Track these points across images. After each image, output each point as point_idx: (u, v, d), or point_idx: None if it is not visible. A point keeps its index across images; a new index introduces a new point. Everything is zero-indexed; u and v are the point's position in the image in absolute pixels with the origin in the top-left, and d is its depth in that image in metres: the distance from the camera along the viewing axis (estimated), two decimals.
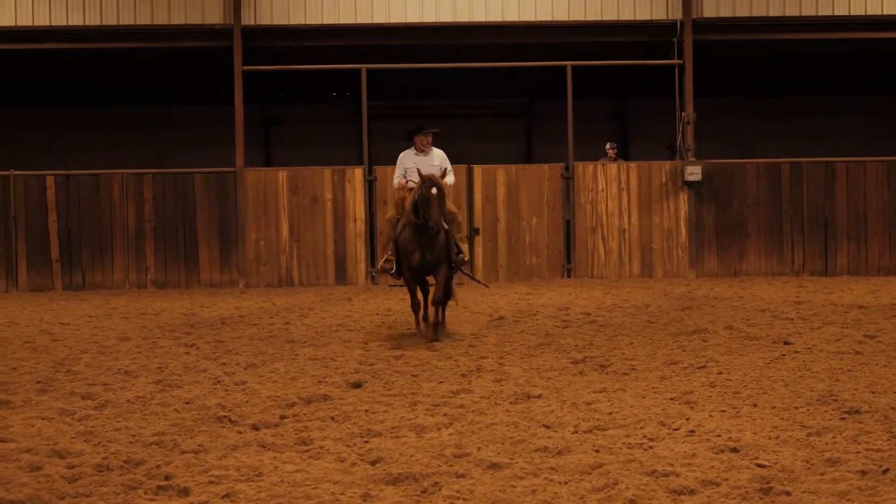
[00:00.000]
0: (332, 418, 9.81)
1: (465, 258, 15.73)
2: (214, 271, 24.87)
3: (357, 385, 11.59)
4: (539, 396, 10.67)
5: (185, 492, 7.52)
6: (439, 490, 7.45)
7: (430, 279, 15.85)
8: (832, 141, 30.90)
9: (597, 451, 8.35)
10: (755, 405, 9.99)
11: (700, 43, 25.13)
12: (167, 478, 7.84)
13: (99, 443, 8.91)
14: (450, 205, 15.44)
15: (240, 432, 9.30)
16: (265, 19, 24.83)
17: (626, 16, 25.12)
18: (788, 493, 7.17)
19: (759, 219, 25.20)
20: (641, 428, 9.12)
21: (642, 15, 25.12)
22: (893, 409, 9.62)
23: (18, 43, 24.87)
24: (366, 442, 8.85)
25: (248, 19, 24.77)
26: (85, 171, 25.23)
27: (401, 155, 16.09)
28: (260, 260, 24.85)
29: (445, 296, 15.59)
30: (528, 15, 25.08)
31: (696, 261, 25.08)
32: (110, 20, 24.61)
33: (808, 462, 7.92)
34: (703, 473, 7.64)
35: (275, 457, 8.37)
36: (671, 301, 19.84)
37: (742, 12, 25.10)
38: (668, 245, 25.09)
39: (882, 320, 16.29)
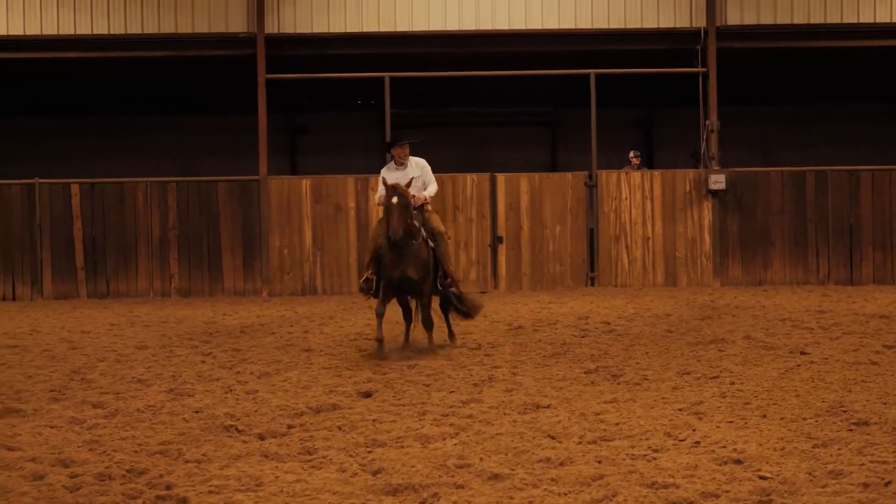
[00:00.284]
0: (339, 428, 9.81)
1: (454, 282, 15.27)
2: (238, 279, 24.93)
3: (367, 394, 11.59)
4: (548, 406, 10.64)
5: (184, 501, 7.52)
6: (437, 501, 7.42)
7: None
8: (857, 149, 30.79)
9: (599, 463, 8.31)
10: (764, 416, 9.93)
11: (724, 51, 25.05)
12: (168, 487, 7.84)
13: (104, 452, 8.93)
14: (437, 223, 15.14)
15: (245, 442, 9.31)
16: (288, 28, 24.89)
17: (650, 24, 25.07)
18: None
19: (784, 227, 25.09)
20: (647, 439, 9.08)
21: (666, 23, 25.07)
22: None
23: (44, 51, 25.01)
24: (369, 452, 8.84)
25: (271, 27, 24.82)
26: (109, 180, 25.34)
27: (382, 170, 15.44)
28: (283, 268, 24.90)
29: (429, 320, 15.03)
30: (552, 23, 25.06)
31: (720, 269, 24.99)
32: (135, 29, 24.74)
33: (810, 474, 7.86)
34: (704, 485, 7.59)
35: (276, 466, 8.37)
36: (693, 310, 19.76)
37: (766, 20, 25.01)
38: (692, 254, 25.01)
39: None
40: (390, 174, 15.12)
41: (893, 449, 8.54)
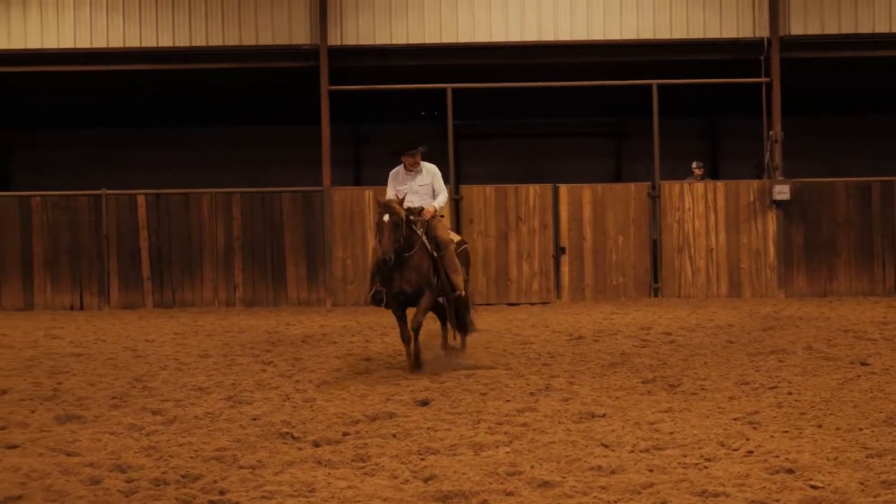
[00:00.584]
0: (394, 435, 9.88)
1: (460, 293, 14.51)
2: (302, 289, 25.06)
3: (424, 403, 11.65)
4: (603, 416, 10.66)
5: None
6: None
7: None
8: None
9: (650, 471, 8.32)
10: (819, 426, 9.90)
11: (788, 60, 24.88)
12: (221, 493, 7.95)
13: (160, 457, 9.06)
14: (442, 232, 14.58)
15: (300, 448, 9.41)
16: (351, 39, 25.01)
17: (713, 34, 24.97)
18: None
19: (849, 238, 24.88)
20: (699, 448, 9.07)
21: (729, 33, 24.96)
22: None
23: (110, 64, 25.30)
24: (422, 459, 8.90)
25: (334, 39, 24.96)
26: (175, 190, 25.57)
27: (391, 174, 15.16)
28: (346, 278, 25.00)
29: (424, 315, 14.38)
30: (614, 34, 25.02)
31: (784, 280, 24.81)
32: (199, 41, 24.96)
33: (862, 484, 7.83)
34: (755, 494, 7.59)
35: (329, 473, 8.45)
36: (755, 321, 19.66)
37: (830, 29, 24.82)
38: (756, 265, 24.86)
39: None
40: (399, 181, 14.93)
41: None
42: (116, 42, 24.97)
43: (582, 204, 24.98)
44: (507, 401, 11.67)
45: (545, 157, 33.16)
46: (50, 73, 25.68)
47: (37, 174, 32.95)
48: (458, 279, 14.45)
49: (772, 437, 9.45)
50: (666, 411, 10.83)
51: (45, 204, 25.07)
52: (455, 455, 9.04)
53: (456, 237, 15.19)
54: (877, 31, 24.76)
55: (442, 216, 15.01)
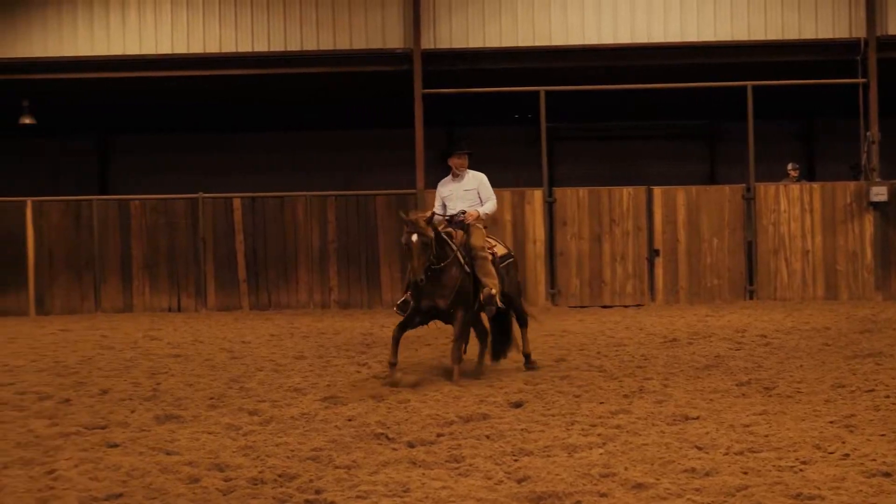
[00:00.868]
0: (488, 437, 9.93)
1: (490, 291, 13.71)
2: (396, 291, 25.14)
3: (518, 405, 11.69)
4: (697, 418, 10.63)
5: None
6: None
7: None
8: None
9: (745, 473, 8.29)
10: None
11: (885, 61, 24.60)
12: (317, 492, 8.05)
13: (257, 457, 9.19)
14: (476, 240, 13.97)
15: (394, 449, 9.49)
16: (444, 43, 25.11)
17: (808, 34, 24.73)
18: None
19: None
20: (795, 451, 9.02)
21: (824, 33, 24.72)
22: None
23: (206, 69, 25.62)
24: (515, 460, 8.94)
25: (427, 43, 25.06)
26: (271, 194, 25.84)
27: (439, 184, 14.71)
28: None
29: (463, 335, 13.95)
30: (708, 35, 24.88)
31: (882, 283, 24.54)
32: (294, 46, 25.19)
33: None
34: (850, 497, 7.55)
35: (423, 473, 8.51)
36: (852, 324, 19.47)
37: None
38: (853, 267, 24.60)
39: None
40: (445, 187, 14.56)
41: None
42: (213, 47, 25.27)
43: (676, 206, 24.87)
44: (600, 403, 11.67)
45: (637, 159, 33.09)
46: (148, 79, 26.07)
47: (135, 178, 33.51)
48: (491, 281, 13.80)
49: (868, 440, 9.38)
50: (761, 414, 10.77)
51: (144, 207, 25.44)
52: (549, 456, 9.07)
53: (502, 249, 14.71)
54: None
55: (485, 226, 14.50)
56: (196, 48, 25.34)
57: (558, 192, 25.13)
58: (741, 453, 9.01)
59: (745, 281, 24.78)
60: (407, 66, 25.17)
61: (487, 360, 14.87)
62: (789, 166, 26.21)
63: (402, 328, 13.80)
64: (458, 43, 25.13)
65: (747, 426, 10.14)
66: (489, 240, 14.42)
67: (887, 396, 11.56)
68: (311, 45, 25.20)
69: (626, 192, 25.03)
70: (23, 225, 25.32)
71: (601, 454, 9.05)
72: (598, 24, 24.97)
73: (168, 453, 9.43)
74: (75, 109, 31.46)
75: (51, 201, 25.78)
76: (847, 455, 8.81)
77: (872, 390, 12.03)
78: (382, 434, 10.05)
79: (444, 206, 14.49)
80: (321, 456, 9.18)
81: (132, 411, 11.67)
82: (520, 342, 14.86)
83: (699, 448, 9.25)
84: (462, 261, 13.73)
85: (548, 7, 24.96)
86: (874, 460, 8.57)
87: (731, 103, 27.19)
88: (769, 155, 28.12)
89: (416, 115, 25.18)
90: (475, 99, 26.85)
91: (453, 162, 14.56)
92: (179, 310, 25.23)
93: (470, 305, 13.86)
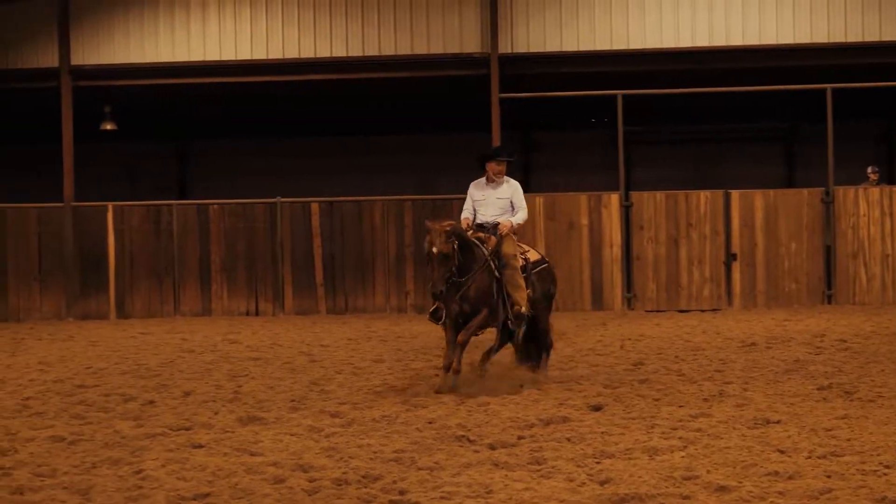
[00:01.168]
0: (568, 439, 9.96)
1: (520, 308, 13.37)
2: None
3: (597, 408, 11.71)
4: (778, 422, 10.61)
5: None
6: None
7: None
8: None
9: (828, 477, 8.27)
10: None
11: None
12: (401, 493, 8.12)
13: (341, 458, 9.28)
14: (508, 248, 13.54)
15: (476, 451, 9.55)
16: (521, 47, 25.11)
17: (889, 37, 24.46)
18: None
19: None
20: (878, 455, 8.98)
21: None
22: None
23: (285, 75, 25.82)
24: (597, 463, 8.97)
25: (504, 47, 25.07)
26: (348, 198, 26.00)
27: (471, 185, 14.32)
28: None
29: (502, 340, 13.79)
30: (787, 37, 24.70)
31: None
32: (372, 51, 25.30)
33: None
34: None
35: (506, 475, 8.56)
36: None
37: None
38: None
39: None
40: (479, 191, 14.13)
41: None
42: (292, 53, 25.44)
43: (754, 210, 24.72)
44: (680, 406, 11.67)
45: (714, 162, 32.95)
46: (227, 84, 26.33)
47: (214, 182, 33.82)
48: (519, 295, 13.42)
49: None
50: (842, 418, 10.72)
51: (223, 212, 25.66)
52: (630, 459, 9.09)
53: (535, 255, 14.40)
54: None
55: (516, 234, 14.11)
56: (275, 54, 25.53)
57: (635, 196, 25.06)
58: (824, 457, 8.99)
59: (824, 285, 24.59)
60: (484, 71, 25.19)
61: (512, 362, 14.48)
62: (870, 169, 25.98)
63: (452, 352, 13.33)
64: (536, 47, 25.12)
65: (829, 430, 10.11)
66: (521, 245, 14.18)
67: None
68: (388, 50, 25.31)
69: (704, 195, 24.92)
70: (104, 229, 25.62)
71: (683, 457, 9.06)
72: (675, 27, 24.86)
73: (252, 454, 9.56)
74: (155, 115, 31.82)
75: (131, 206, 26.07)
76: None
77: None
78: (463, 436, 10.11)
79: (475, 211, 14.15)
80: (404, 457, 9.26)
81: (215, 413, 11.82)
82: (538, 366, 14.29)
83: (781, 451, 9.24)
84: (493, 266, 13.40)
85: (625, 10, 24.89)
86: None
87: (809, 105, 27.01)
88: (848, 157, 27.86)
89: (493, 119, 25.19)
90: (552, 103, 26.86)
91: (492, 167, 14.08)
92: (257, 313, 25.41)
93: (494, 310, 13.40)
